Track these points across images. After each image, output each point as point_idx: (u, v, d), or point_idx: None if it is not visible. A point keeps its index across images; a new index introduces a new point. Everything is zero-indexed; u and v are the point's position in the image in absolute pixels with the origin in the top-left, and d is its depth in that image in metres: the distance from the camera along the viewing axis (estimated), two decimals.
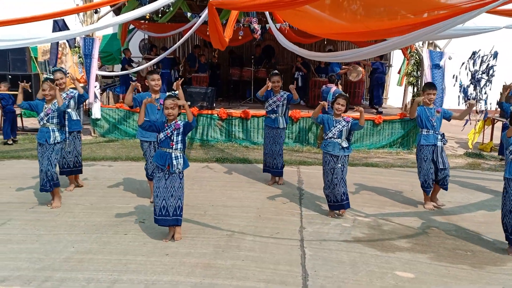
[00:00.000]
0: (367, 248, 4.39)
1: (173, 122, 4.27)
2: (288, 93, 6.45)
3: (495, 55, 8.73)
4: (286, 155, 8.70)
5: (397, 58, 13.04)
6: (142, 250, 4.22)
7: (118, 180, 6.68)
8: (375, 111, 10.72)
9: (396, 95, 13.04)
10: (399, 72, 12.13)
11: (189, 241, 4.44)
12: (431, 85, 5.63)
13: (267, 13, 8.42)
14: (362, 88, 11.96)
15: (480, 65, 8.99)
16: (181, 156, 4.32)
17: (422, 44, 9.48)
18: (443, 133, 5.61)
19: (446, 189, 5.72)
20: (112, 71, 12.58)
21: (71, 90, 6.04)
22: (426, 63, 9.01)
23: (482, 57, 8.98)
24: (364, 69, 11.51)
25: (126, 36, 11.58)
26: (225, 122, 9.79)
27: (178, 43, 8.95)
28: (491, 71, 8.91)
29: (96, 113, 9.78)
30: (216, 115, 9.77)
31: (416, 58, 9.69)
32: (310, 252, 4.26)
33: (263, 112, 9.65)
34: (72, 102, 5.94)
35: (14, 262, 3.91)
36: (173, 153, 4.27)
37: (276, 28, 8.65)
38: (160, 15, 9.52)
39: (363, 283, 3.67)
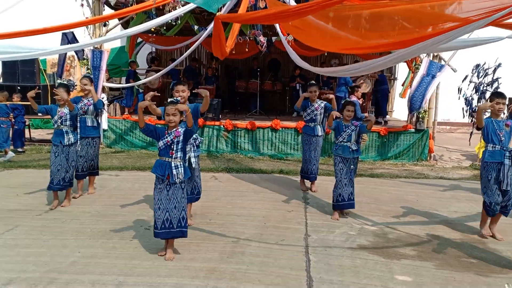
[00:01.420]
0: (371, 255, 4.38)
1: (174, 129, 4.10)
2: (326, 102, 6.64)
3: (498, 67, 8.77)
4: (291, 165, 8.78)
5: (402, 71, 13.13)
6: (147, 255, 4.24)
7: (125, 189, 6.75)
8: (382, 122, 10.77)
9: (401, 108, 13.07)
10: (403, 85, 12.19)
11: (194, 247, 4.46)
12: (500, 94, 4.88)
13: (277, 25, 8.51)
14: (368, 100, 12.03)
15: (484, 77, 9.03)
16: (182, 165, 4.13)
17: (427, 57, 9.54)
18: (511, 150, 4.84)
19: (506, 215, 4.96)
20: (120, 83, 12.74)
21: None
22: (421, 71, 9.04)
23: (486, 69, 9.02)
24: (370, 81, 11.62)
25: (134, 49, 11.77)
26: (231, 133, 9.86)
27: (185, 54, 9.11)
28: (495, 83, 8.94)
29: (103, 124, 9.89)
30: (222, 126, 9.85)
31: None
32: (315, 258, 4.26)
33: (269, 123, 9.77)
34: (91, 108, 6.18)
35: (21, 265, 3.96)
36: (172, 162, 4.08)
37: (280, 40, 8.76)
38: (165, 28, 9.69)
39: None
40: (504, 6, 3.95)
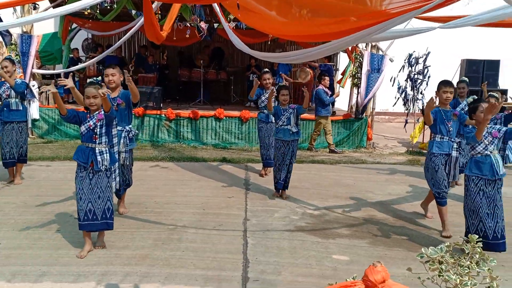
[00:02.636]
0: (308, 236, 4.44)
1: (96, 112, 3.81)
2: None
3: (428, 55, 9.20)
4: (234, 154, 8.72)
5: (343, 61, 13.41)
6: (75, 245, 4.00)
7: (55, 179, 6.37)
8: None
9: (342, 97, 13.36)
10: (342, 74, 12.46)
11: (128, 236, 4.28)
12: (447, 83, 4.64)
13: (218, 11, 8.27)
14: (311, 91, 12.18)
15: (416, 66, 9.43)
16: (107, 151, 3.86)
17: (366, 47, 9.82)
18: (459, 141, 4.68)
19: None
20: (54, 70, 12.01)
21: (17, 80, 5.88)
22: (365, 68, 9.34)
23: (417, 58, 9.42)
24: (313, 71, 11.75)
25: (68, 35, 11.11)
26: (173, 122, 9.61)
27: (120, 41, 8.75)
28: (425, 71, 9.37)
29: (34, 113, 9.29)
30: (163, 115, 9.58)
31: (360, 60, 10.00)
32: (253, 241, 4.23)
33: (212, 112, 9.62)
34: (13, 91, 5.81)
35: None
36: (96, 148, 3.80)
37: (223, 27, 8.60)
38: (98, 11, 9.23)
39: (302, 267, 3.70)
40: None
